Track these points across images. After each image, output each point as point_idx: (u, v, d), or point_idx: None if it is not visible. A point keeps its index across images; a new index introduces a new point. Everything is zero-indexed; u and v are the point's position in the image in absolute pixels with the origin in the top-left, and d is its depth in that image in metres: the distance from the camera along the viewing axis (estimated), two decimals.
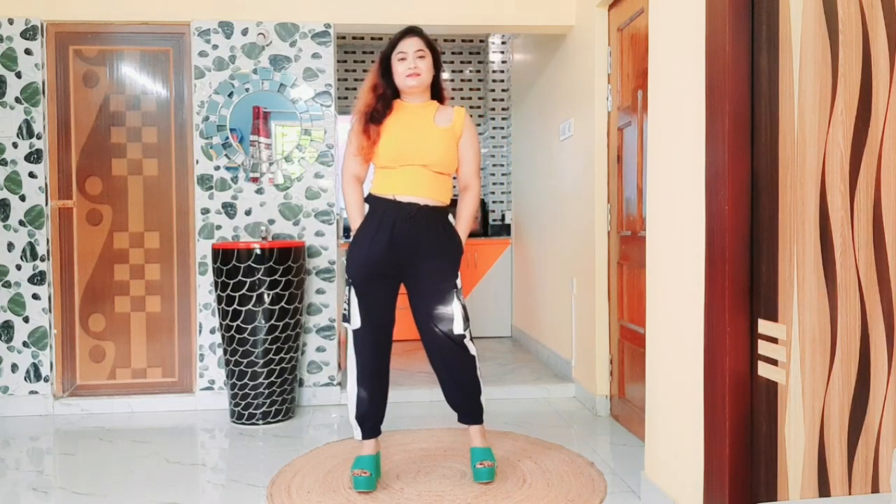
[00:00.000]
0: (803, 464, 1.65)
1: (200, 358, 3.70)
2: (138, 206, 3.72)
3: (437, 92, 2.60)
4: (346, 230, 5.77)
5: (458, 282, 2.54)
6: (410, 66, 2.47)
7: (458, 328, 2.51)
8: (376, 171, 2.55)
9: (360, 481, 2.48)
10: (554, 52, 4.28)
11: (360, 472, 2.49)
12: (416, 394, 3.77)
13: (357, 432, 2.58)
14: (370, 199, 2.53)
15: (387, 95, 2.51)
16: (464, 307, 2.55)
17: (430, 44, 2.54)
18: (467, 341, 2.54)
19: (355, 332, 2.51)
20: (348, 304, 2.50)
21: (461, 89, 6.45)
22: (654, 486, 2.31)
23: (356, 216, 2.54)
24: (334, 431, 3.31)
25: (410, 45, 2.49)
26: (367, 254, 2.46)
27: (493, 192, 6.27)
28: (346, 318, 2.52)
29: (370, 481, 2.49)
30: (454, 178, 2.62)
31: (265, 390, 3.39)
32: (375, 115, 2.48)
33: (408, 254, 2.47)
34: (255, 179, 3.71)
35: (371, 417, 2.57)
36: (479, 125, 6.45)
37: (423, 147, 2.47)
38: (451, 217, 2.58)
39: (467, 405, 2.62)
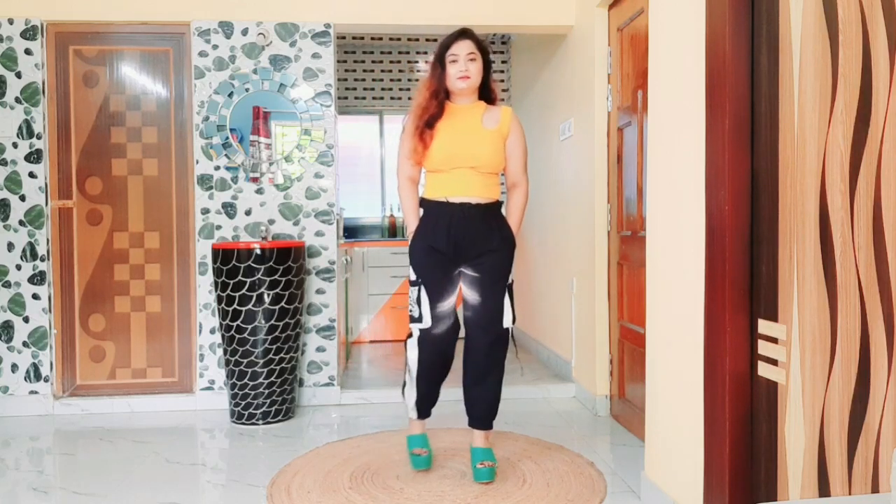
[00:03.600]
0: (803, 464, 1.65)
1: (200, 358, 3.70)
2: (138, 206, 3.72)
3: (486, 93, 2.64)
4: (347, 230, 5.77)
5: (511, 276, 2.63)
6: (462, 69, 2.52)
7: (507, 321, 2.60)
8: (427, 175, 2.62)
9: (419, 460, 2.62)
10: (554, 52, 4.28)
11: (420, 450, 2.63)
12: None
13: (413, 412, 2.71)
14: (423, 203, 2.61)
15: (442, 100, 2.56)
16: (513, 302, 2.64)
17: (482, 46, 2.58)
18: (510, 337, 2.63)
19: (424, 330, 2.58)
20: (418, 305, 2.56)
21: None
22: (654, 486, 2.31)
23: (412, 218, 2.62)
24: (334, 431, 3.31)
25: (462, 48, 2.53)
26: (428, 255, 2.55)
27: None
28: (416, 319, 2.58)
29: (428, 460, 2.64)
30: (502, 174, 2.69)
31: (265, 390, 3.39)
32: (431, 121, 2.53)
33: (465, 250, 2.54)
34: (255, 179, 3.71)
35: (429, 402, 2.71)
36: None
37: (472, 150, 2.53)
38: (503, 210, 2.66)
39: (486, 409, 2.64)
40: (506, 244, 2.60)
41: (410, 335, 2.64)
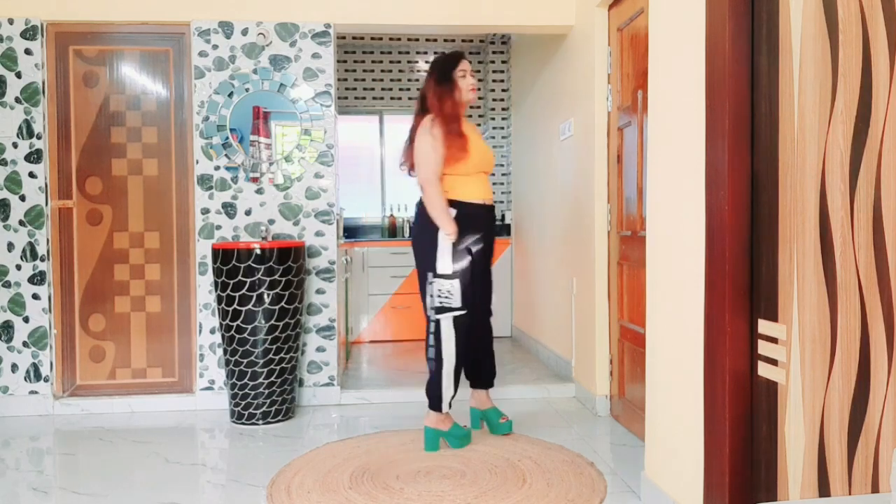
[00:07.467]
0: (803, 464, 1.65)
1: (200, 358, 3.70)
2: (138, 206, 3.72)
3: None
4: (347, 230, 5.77)
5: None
6: (472, 83, 2.91)
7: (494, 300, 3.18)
8: (451, 178, 2.89)
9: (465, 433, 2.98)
10: (554, 52, 4.28)
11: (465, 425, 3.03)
12: (415, 394, 3.77)
13: (447, 406, 2.93)
14: (461, 205, 2.89)
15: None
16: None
17: None
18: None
19: (459, 317, 2.87)
20: (452, 295, 2.84)
21: None
22: (654, 486, 2.31)
23: (449, 217, 2.84)
24: (334, 431, 3.31)
25: (468, 65, 2.92)
26: (469, 252, 2.90)
27: (493, 192, 6.26)
28: (451, 308, 2.84)
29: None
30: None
31: (265, 390, 3.39)
32: (460, 130, 2.87)
33: (490, 246, 3.04)
34: (255, 179, 3.71)
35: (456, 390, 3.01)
36: (479, 125, 6.45)
37: (489, 156, 2.99)
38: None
39: (492, 369, 3.18)
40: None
41: (436, 333, 2.85)
